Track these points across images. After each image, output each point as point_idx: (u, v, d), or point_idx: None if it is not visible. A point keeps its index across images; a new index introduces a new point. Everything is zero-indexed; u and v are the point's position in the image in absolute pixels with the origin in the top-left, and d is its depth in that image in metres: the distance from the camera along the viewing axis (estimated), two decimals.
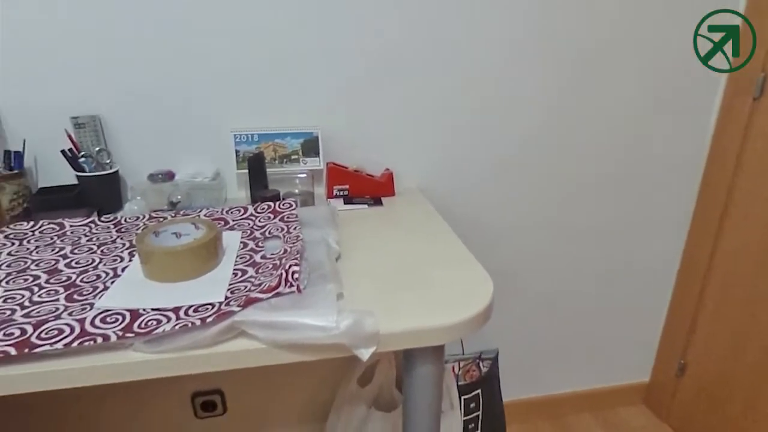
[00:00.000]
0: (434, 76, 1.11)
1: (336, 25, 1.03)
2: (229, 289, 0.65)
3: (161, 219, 0.92)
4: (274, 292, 0.60)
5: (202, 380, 1.20)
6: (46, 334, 0.55)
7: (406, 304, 0.64)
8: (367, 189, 1.09)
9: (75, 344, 0.53)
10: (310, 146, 1.08)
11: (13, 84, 0.96)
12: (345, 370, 1.20)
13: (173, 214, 0.94)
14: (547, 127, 1.22)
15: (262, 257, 0.74)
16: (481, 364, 1.31)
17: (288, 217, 0.88)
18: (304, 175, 1.06)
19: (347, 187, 1.08)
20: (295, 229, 0.82)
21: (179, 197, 0.99)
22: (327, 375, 1.26)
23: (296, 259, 0.66)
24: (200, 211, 0.94)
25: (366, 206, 1.04)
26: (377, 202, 1.06)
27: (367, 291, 0.67)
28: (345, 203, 1.05)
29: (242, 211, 0.93)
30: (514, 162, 1.24)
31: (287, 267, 0.64)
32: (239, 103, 1.06)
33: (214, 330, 0.56)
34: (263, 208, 0.93)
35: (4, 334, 0.54)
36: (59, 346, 0.53)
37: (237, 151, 1.05)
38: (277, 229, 0.84)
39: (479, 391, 1.27)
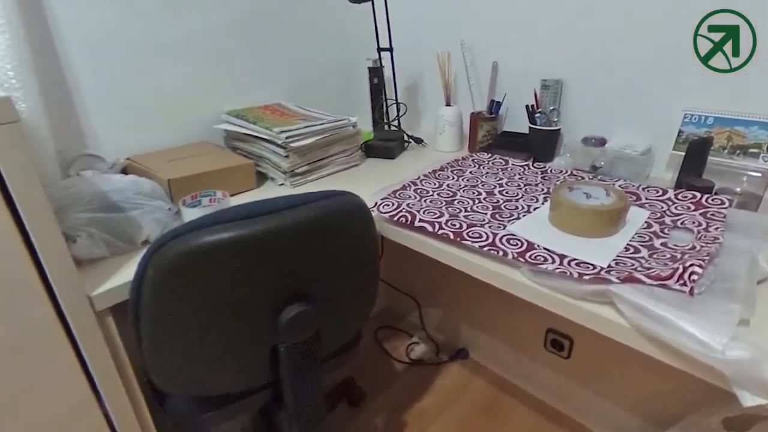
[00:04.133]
0: None
1: None
2: (614, 260, 0.60)
3: (579, 178, 0.92)
4: (660, 282, 0.51)
5: (559, 321, 1.22)
6: (471, 234, 0.68)
7: None
8: None
9: (485, 249, 0.64)
10: None
11: (507, 51, 1.13)
12: (711, 397, 0.93)
13: (591, 177, 0.92)
14: None
15: (662, 244, 0.64)
16: None
17: (713, 215, 0.70)
18: (758, 174, 0.79)
19: None
20: (716, 229, 0.64)
21: (602, 163, 0.95)
22: (684, 388, 1.01)
23: (703, 260, 0.53)
24: (616, 181, 0.88)
25: None
26: None
27: None
28: None
29: (660, 192, 0.81)
30: None
31: (687, 264, 0.52)
32: (698, 81, 0.86)
33: (586, 288, 0.54)
34: (685, 197, 0.77)
35: (451, 224, 0.71)
36: (476, 246, 0.65)
37: (681, 131, 0.88)
38: (693, 223, 0.68)
39: None
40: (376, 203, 0.79)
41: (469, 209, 0.78)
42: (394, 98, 1.22)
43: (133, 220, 0.67)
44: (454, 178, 0.93)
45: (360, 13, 1.14)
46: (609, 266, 0.58)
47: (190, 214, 0.70)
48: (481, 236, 0.67)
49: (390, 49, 1.15)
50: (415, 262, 1.53)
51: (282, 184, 0.95)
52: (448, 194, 0.85)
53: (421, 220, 0.72)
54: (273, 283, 0.59)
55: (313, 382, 0.74)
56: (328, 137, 0.98)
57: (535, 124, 1.05)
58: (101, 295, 0.57)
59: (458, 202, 0.81)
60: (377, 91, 1.22)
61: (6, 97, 0.45)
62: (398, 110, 1.22)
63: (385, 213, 0.76)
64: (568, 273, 0.56)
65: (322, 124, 0.97)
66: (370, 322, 1.63)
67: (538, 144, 1.06)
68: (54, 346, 0.54)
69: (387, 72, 1.20)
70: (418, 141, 1.23)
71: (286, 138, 0.89)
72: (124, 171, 0.86)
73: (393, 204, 0.78)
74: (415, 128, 1.42)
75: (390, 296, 1.68)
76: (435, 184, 0.90)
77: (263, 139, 0.94)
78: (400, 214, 0.74)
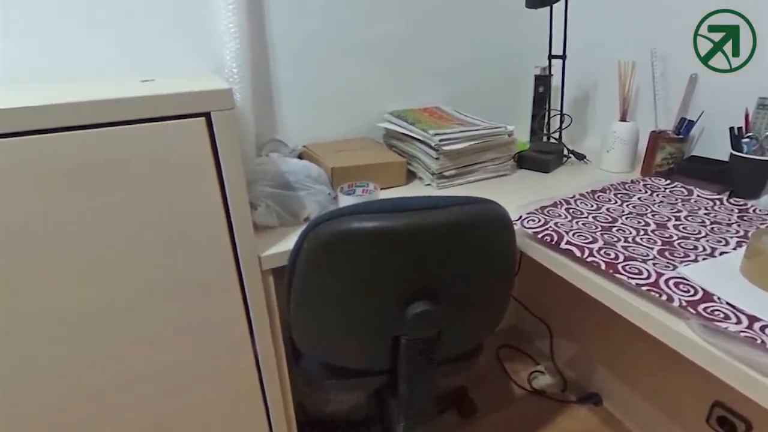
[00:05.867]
0: None
1: None
2: None
3: None
4: None
5: (733, 396, 0.97)
6: (629, 268, 0.59)
7: None
8: None
9: (644, 288, 0.55)
10: None
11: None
12: None
13: None
14: None
15: None
16: None
17: None
18: None
19: None
20: None
21: None
22: None
23: None
24: None
25: None
26: None
27: None
28: None
29: None
30: None
31: None
32: None
33: None
34: None
35: (605, 252, 0.63)
36: (633, 282, 0.56)
37: None
38: None
39: None
40: (520, 217, 0.74)
41: (630, 240, 0.67)
42: (558, 109, 1.13)
43: (300, 199, 0.77)
44: (617, 202, 0.82)
45: (534, 19, 1.08)
46: None
47: (345, 201, 0.78)
48: (640, 272, 0.58)
49: (563, 57, 1.07)
50: (554, 285, 1.40)
51: (428, 185, 0.97)
52: (607, 219, 0.75)
53: (568, 242, 0.65)
54: (405, 276, 0.61)
55: (428, 380, 0.74)
56: (481, 143, 0.96)
57: (741, 151, 0.85)
58: (267, 257, 0.68)
59: (618, 230, 0.71)
60: (541, 100, 1.15)
61: (229, 88, 0.57)
62: (561, 122, 1.12)
63: (528, 228, 0.71)
64: (759, 341, 0.44)
65: (477, 130, 0.95)
66: (493, 337, 1.56)
67: (741, 175, 0.85)
68: (230, 288, 0.66)
69: (555, 81, 1.12)
70: (580, 157, 1.11)
71: (440, 141, 0.90)
72: (300, 156, 0.99)
73: (539, 220, 0.73)
74: (578, 143, 1.29)
75: (520, 316, 1.58)
76: (592, 206, 0.80)
77: (418, 140, 0.97)
78: (546, 232, 0.69)
